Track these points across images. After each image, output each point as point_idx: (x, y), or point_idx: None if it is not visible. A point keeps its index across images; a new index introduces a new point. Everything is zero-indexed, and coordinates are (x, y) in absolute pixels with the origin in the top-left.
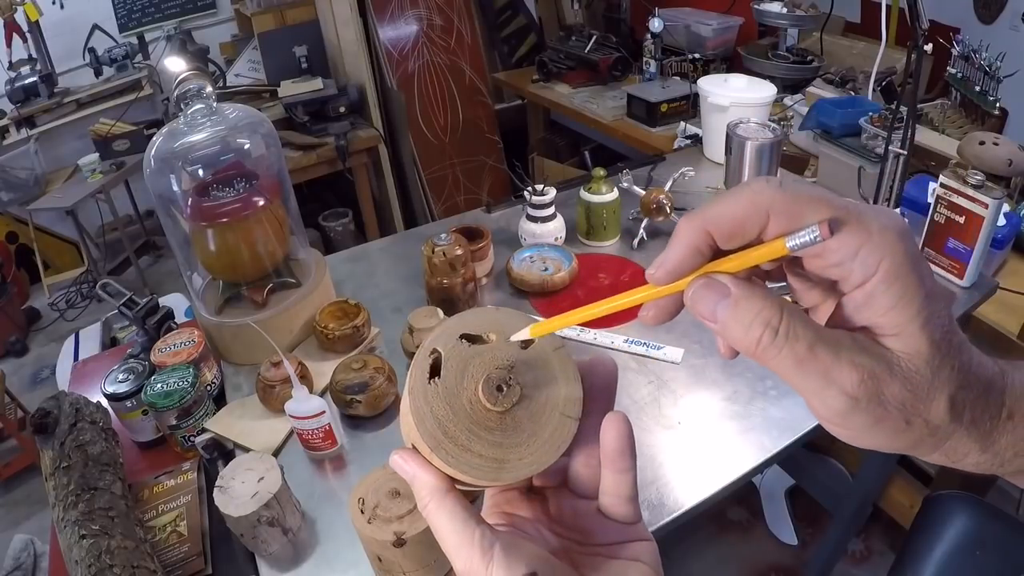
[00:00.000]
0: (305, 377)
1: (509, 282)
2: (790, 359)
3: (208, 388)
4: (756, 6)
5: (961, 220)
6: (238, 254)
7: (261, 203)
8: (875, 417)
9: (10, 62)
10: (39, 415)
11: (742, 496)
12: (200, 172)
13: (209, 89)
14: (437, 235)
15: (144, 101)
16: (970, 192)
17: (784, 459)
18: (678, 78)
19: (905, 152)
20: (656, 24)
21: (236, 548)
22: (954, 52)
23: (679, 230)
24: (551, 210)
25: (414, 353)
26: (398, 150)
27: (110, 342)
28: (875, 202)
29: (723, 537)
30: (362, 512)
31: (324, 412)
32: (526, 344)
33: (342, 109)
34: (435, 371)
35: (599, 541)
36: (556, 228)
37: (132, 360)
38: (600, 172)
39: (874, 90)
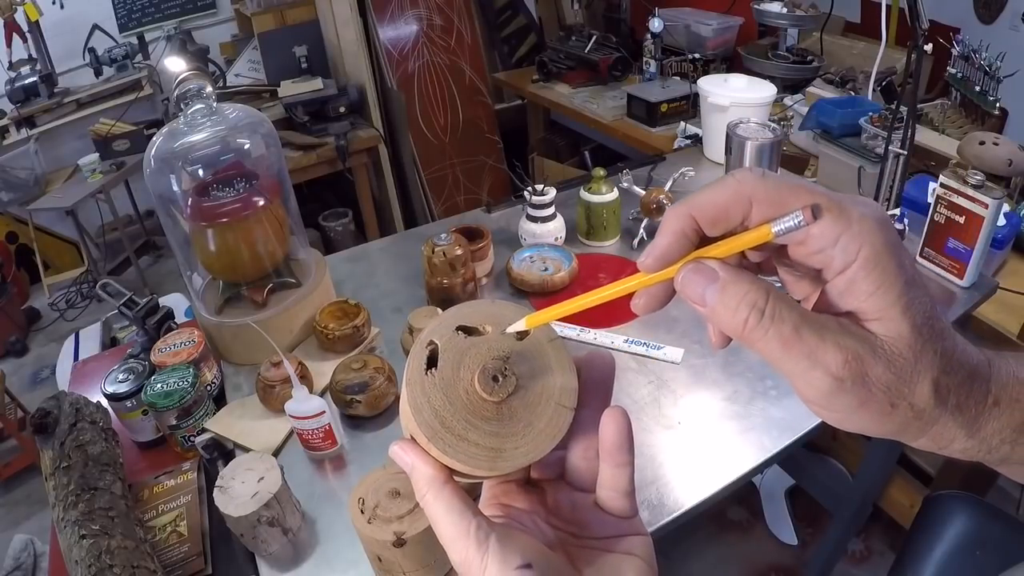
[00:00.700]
0: (305, 377)
1: (509, 282)
2: (776, 340)
3: (208, 388)
4: (756, 6)
5: (961, 220)
6: (238, 254)
7: (261, 203)
8: (860, 399)
9: (10, 62)
10: (39, 415)
11: (742, 496)
12: (200, 172)
13: (209, 89)
14: (437, 235)
15: (144, 101)
16: (970, 192)
17: (784, 459)
18: (678, 78)
19: (905, 152)
20: (656, 24)
21: (236, 548)
22: (954, 52)
23: (666, 217)
24: (551, 210)
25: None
26: (398, 150)
27: (110, 342)
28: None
29: (723, 537)
30: (362, 512)
31: (324, 412)
32: (522, 336)
33: (342, 109)
34: (432, 362)
35: (595, 534)
36: (556, 228)
37: (132, 360)
38: (600, 172)
39: (874, 90)
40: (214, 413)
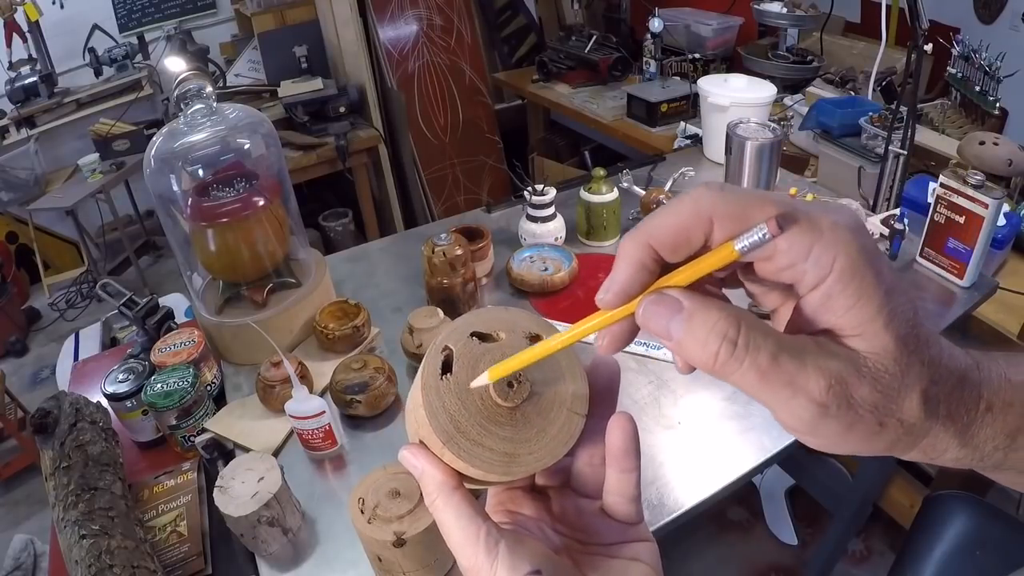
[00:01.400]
0: (305, 377)
1: (509, 282)
2: (752, 372)
3: (208, 388)
4: (756, 6)
5: (961, 220)
6: (238, 254)
7: (261, 203)
8: (847, 423)
9: (10, 62)
10: (39, 415)
11: (742, 496)
12: (200, 172)
13: (209, 89)
14: (437, 235)
15: (144, 101)
16: (970, 192)
17: (784, 459)
18: (678, 78)
19: (905, 152)
20: (656, 24)
21: (236, 548)
22: (954, 52)
23: (622, 248)
24: (551, 210)
25: (414, 353)
26: (398, 150)
27: (110, 342)
28: (875, 202)
29: (723, 537)
30: (362, 512)
31: (324, 412)
32: (535, 342)
33: (342, 109)
34: (447, 368)
35: (601, 540)
36: (556, 228)
37: (132, 360)
38: (600, 172)
39: (874, 90)
40: (214, 413)
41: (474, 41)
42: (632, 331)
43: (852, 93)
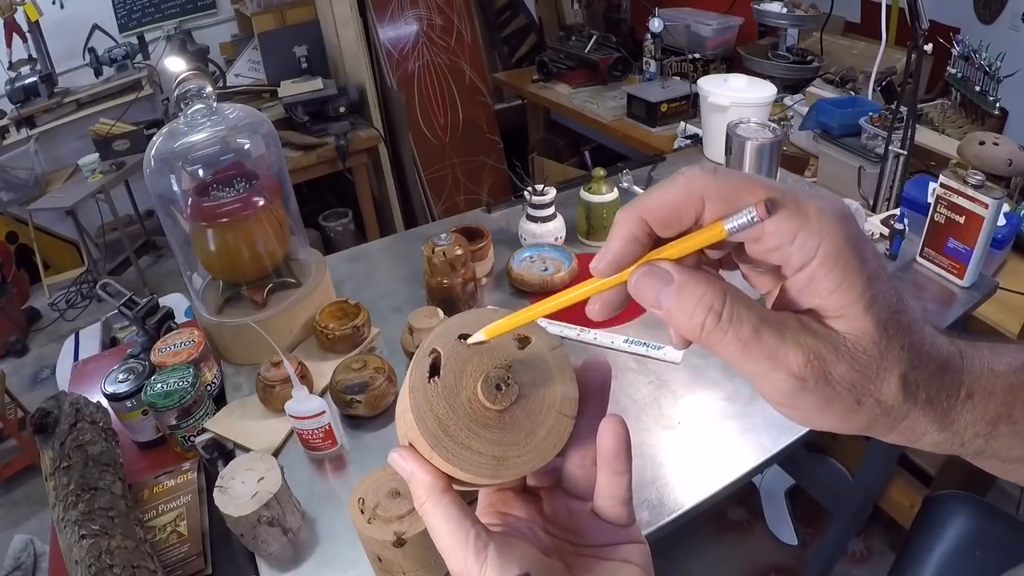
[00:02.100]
0: (305, 377)
1: (509, 282)
2: (735, 343)
3: (208, 388)
4: (756, 6)
5: (961, 220)
6: (238, 254)
7: (261, 203)
8: (824, 397)
9: (10, 62)
10: (39, 415)
11: (742, 496)
12: (200, 172)
13: (209, 89)
14: (437, 235)
15: (144, 101)
16: (970, 192)
17: (784, 459)
18: (678, 78)
19: (905, 152)
20: (656, 24)
21: (236, 548)
22: (954, 52)
23: (617, 221)
24: (551, 210)
25: (414, 353)
26: (398, 150)
27: (110, 342)
28: (875, 202)
29: (723, 537)
30: (362, 512)
31: (324, 412)
32: (524, 344)
33: (342, 109)
34: (434, 370)
35: (592, 542)
36: (556, 228)
37: (132, 360)
38: (600, 172)
39: (874, 90)
40: (214, 413)
41: (474, 41)
42: (622, 299)
43: (852, 93)
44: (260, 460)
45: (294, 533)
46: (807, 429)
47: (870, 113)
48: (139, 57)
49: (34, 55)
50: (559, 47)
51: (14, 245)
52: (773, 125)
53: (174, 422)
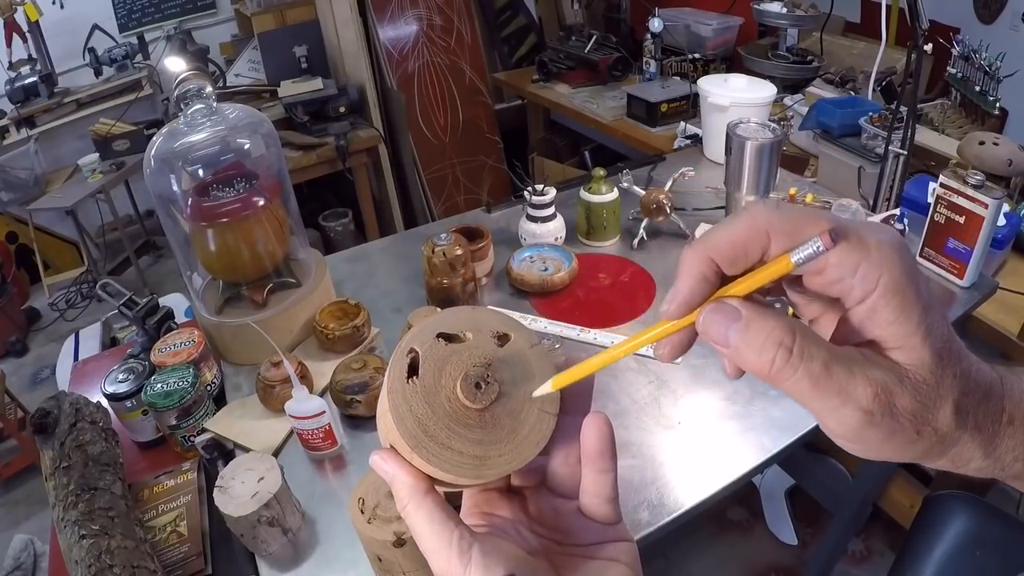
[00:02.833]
0: (305, 377)
1: (509, 282)
2: (806, 379)
3: (208, 388)
4: (756, 6)
5: (961, 220)
6: (238, 254)
7: (261, 203)
8: (889, 430)
9: (10, 62)
10: (39, 415)
11: (742, 496)
12: (200, 172)
13: (209, 89)
14: (437, 235)
15: (144, 101)
16: (970, 192)
17: (784, 459)
18: (678, 78)
19: (905, 152)
20: (656, 24)
21: (236, 548)
22: (954, 52)
23: (684, 261)
24: (551, 210)
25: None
26: (398, 150)
27: (110, 342)
28: (875, 202)
29: (723, 537)
30: (362, 512)
31: (324, 412)
32: (503, 341)
33: (342, 109)
34: (413, 370)
35: (579, 541)
36: (556, 228)
37: (132, 360)
38: (600, 172)
39: (874, 90)
40: (214, 413)
41: (474, 41)
42: (690, 340)
43: (852, 93)
44: (260, 460)
45: (294, 533)
46: (807, 429)
47: (870, 113)
48: (139, 57)
49: (34, 55)
50: (559, 47)
51: (14, 245)
52: (773, 125)
53: (174, 422)
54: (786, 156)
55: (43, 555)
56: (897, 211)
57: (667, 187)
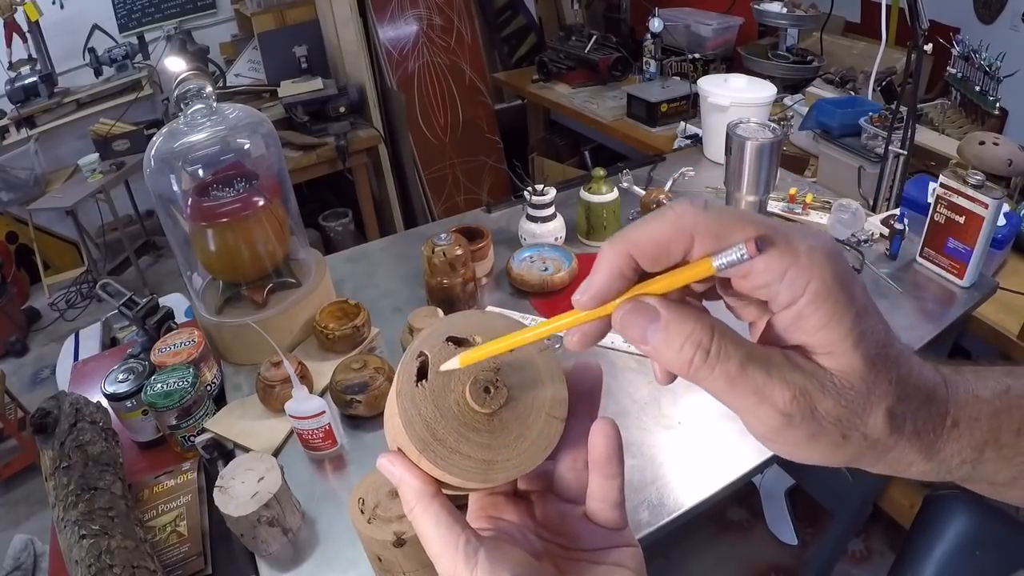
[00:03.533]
0: (305, 377)
1: (509, 282)
2: (722, 379)
3: (208, 388)
4: (756, 6)
5: (961, 220)
6: (238, 254)
7: (261, 203)
8: (809, 432)
9: (10, 62)
10: (39, 415)
11: (742, 496)
12: (200, 172)
13: (209, 89)
14: (437, 235)
15: (144, 101)
16: (970, 192)
17: (784, 459)
18: (678, 78)
19: (905, 152)
20: (656, 24)
21: (236, 548)
22: (954, 52)
23: (602, 255)
24: (551, 210)
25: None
26: (398, 150)
27: (110, 342)
28: (875, 202)
29: (723, 537)
30: (362, 512)
31: (324, 412)
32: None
33: (342, 109)
34: (422, 374)
35: (584, 546)
36: (556, 228)
37: (132, 360)
38: (600, 172)
39: (874, 90)
40: (214, 413)
41: (474, 41)
42: (603, 331)
43: (852, 93)
44: (260, 460)
45: (294, 533)
46: None
47: (870, 113)
48: (139, 57)
49: (34, 55)
50: (559, 47)
51: (14, 245)
52: (773, 125)
53: (174, 422)
54: (786, 156)
55: (43, 555)
56: (897, 211)
57: (667, 187)
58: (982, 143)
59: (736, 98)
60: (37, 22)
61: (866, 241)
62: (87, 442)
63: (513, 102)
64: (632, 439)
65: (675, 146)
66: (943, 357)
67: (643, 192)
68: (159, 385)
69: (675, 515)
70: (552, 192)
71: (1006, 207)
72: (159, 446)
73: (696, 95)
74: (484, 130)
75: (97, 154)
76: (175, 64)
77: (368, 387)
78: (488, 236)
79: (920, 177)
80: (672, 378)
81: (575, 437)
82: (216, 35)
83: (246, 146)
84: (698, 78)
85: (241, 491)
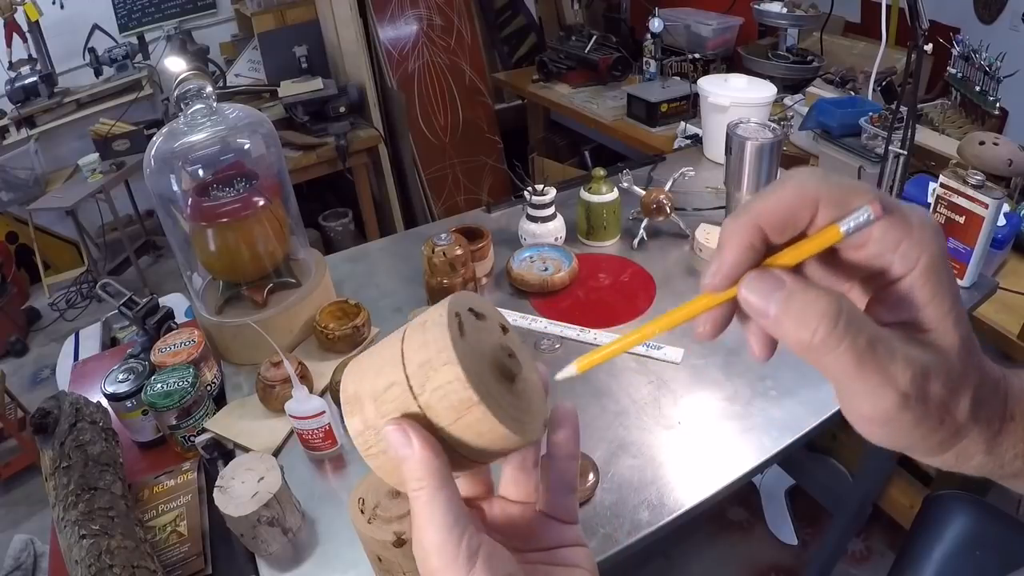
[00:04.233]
0: (305, 377)
1: (509, 282)
2: (850, 354)
3: (208, 388)
4: (756, 6)
5: (961, 220)
6: (238, 254)
7: (261, 203)
8: (917, 416)
9: (10, 62)
10: (39, 415)
11: (742, 496)
12: (200, 172)
13: (209, 89)
14: (437, 235)
15: (144, 101)
16: (970, 192)
17: (784, 459)
18: (678, 78)
19: (905, 152)
20: (656, 24)
21: (236, 548)
22: (954, 52)
23: (727, 231)
24: (551, 210)
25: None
26: (398, 150)
27: (110, 342)
28: None
29: (723, 537)
30: (362, 512)
31: (324, 412)
32: (504, 331)
33: (342, 109)
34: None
35: (537, 545)
36: (556, 228)
37: (132, 360)
38: (600, 172)
39: (874, 90)
40: (214, 413)
41: (474, 41)
42: (731, 315)
43: (852, 93)
44: (260, 460)
45: (294, 533)
46: (807, 429)
47: (870, 113)
48: (139, 57)
49: (34, 55)
50: (559, 47)
51: (14, 245)
52: (773, 125)
53: (174, 422)
54: (786, 156)
55: (43, 555)
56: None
57: (667, 187)
58: (982, 143)
59: (736, 98)
60: (37, 22)
61: None
62: (87, 442)
63: (513, 102)
64: (632, 439)
65: (675, 146)
66: None
67: (643, 192)
68: (159, 385)
69: (675, 515)
70: (552, 192)
71: (1006, 207)
72: (159, 446)
73: (696, 95)
74: (484, 130)
75: (97, 154)
76: (175, 64)
77: None
78: (488, 236)
79: (920, 177)
80: (769, 354)
81: None
82: (216, 35)
83: (246, 146)
84: (698, 78)
85: (241, 491)
